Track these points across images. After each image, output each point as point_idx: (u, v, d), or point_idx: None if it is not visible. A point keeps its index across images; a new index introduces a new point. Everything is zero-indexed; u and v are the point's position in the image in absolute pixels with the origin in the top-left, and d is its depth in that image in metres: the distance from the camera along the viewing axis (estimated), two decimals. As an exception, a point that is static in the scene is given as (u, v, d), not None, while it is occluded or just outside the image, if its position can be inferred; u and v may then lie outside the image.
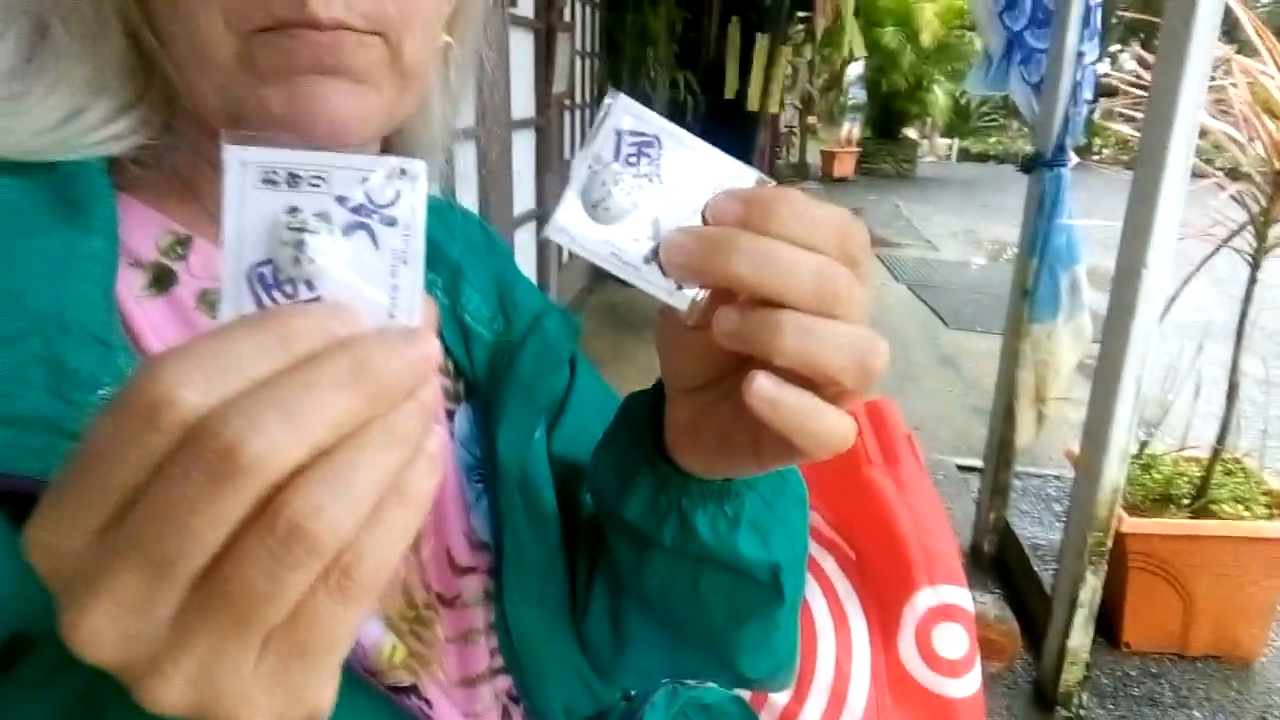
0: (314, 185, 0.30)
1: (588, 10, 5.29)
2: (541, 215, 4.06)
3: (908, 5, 14.76)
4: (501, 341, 0.65)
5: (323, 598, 0.27)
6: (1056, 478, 3.70)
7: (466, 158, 2.75)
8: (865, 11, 13.02)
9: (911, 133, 17.64)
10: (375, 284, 0.31)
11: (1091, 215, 2.73)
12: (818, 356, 0.38)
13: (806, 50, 11.35)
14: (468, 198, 2.82)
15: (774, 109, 6.64)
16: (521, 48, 3.63)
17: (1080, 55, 2.51)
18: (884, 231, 9.98)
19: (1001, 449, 2.92)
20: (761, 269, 0.37)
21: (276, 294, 0.30)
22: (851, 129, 16.17)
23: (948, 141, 20.29)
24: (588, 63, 5.42)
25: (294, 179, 0.30)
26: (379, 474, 0.28)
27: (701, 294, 0.39)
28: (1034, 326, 2.64)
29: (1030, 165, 2.67)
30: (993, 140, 19.51)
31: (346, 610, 0.28)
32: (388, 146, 0.62)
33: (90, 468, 0.27)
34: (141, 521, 0.26)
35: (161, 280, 0.50)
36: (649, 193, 0.38)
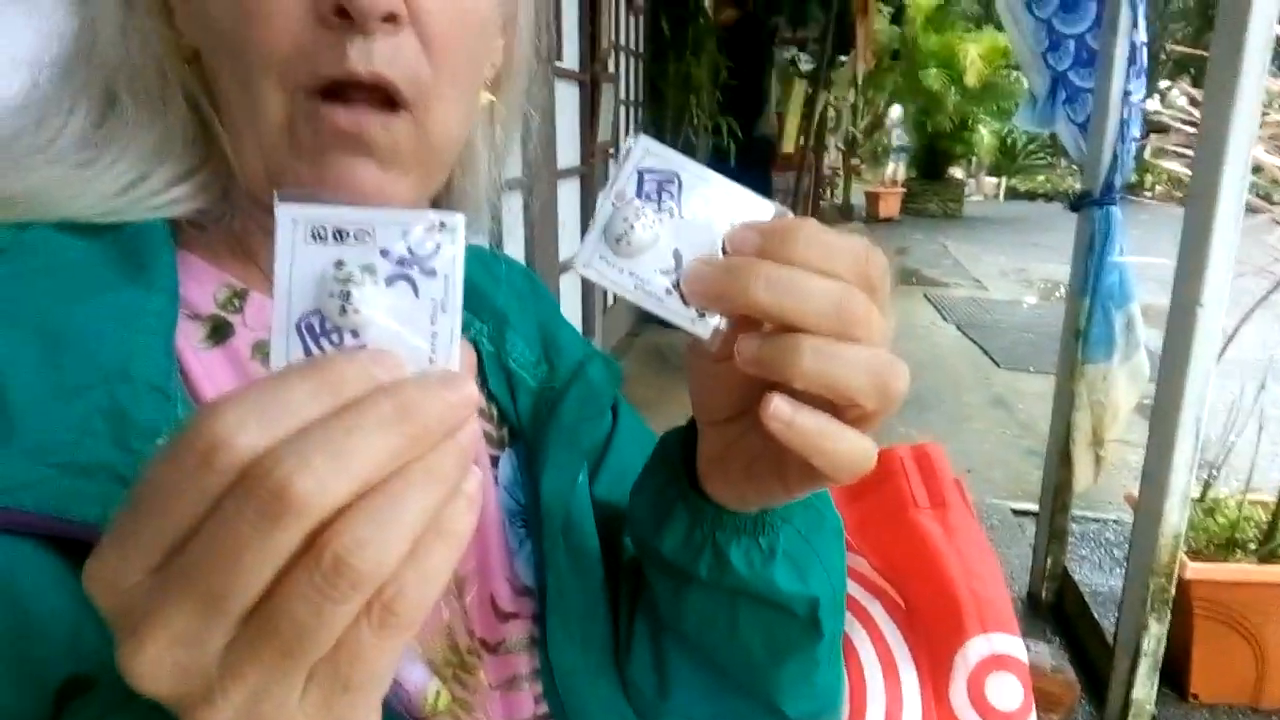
0: (359, 239, 0.32)
1: (631, 60, 5.39)
2: (587, 261, 4.10)
3: (951, 47, 14.76)
4: (545, 388, 0.66)
5: (365, 631, 0.28)
6: (1116, 522, 3.59)
7: (513, 207, 2.80)
8: (908, 55, 13.05)
9: (958, 172, 17.51)
10: (416, 331, 0.33)
11: (1145, 252, 2.68)
12: (837, 378, 0.39)
13: (850, 93, 11.41)
14: (514, 245, 2.87)
15: (811, 149, 6.66)
16: (567, 99, 3.71)
17: (1127, 94, 2.49)
18: (932, 271, 9.88)
19: (1058, 493, 2.84)
20: (780, 295, 0.39)
21: (324, 342, 0.32)
22: (896, 169, 16.14)
23: (995, 180, 20.10)
24: (632, 111, 5.51)
25: (340, 234, 0.32)
26: (419, 511, 0.29)
27: (723, 323, 0.41)
28: (1088, 367, 2.59)
29: (1079, 204, 2.65)
30: (1040, 178, 19.27)
31: (388, 643, 0.29)
32: (436, 202, 0.65)
33: (148, 506, 0.28)
34: (196, 558, 0.27)
35: (219, 332, 0.53)
36: (670, 227, 0.40)
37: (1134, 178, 2.70)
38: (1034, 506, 3.13)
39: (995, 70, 14.93)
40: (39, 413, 0.41)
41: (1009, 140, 17.83)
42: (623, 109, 5.13)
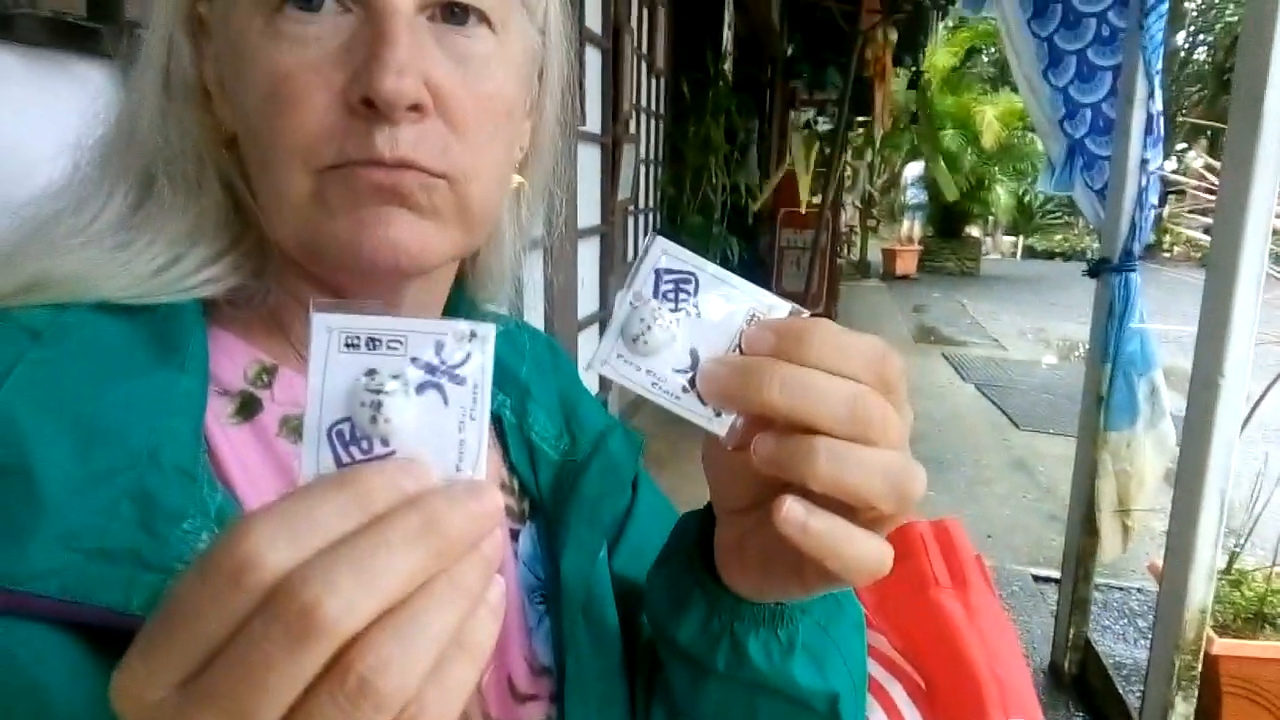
0: (392, 348, 0.33)
1: (652, 121, 5.49)
2: (604, 318, 4.13)
3: (967, 108, 14.94)
4: (567, 460, 0.67)
5: None
6: (1139, 590, 3.51)
7: (534, 265, 2.82)
8: (925, 115, 13.21)
9: (975, 231, 17.58)
10: (444, 438, 0.33)
11: (1166, 313, 2.67)
12: (852, 482, 0.39)
13: (866, 152, 11.54)
14: (534, 302, 2.89)
15: (828, 208, 6.73)
16: (588, 160, 3.78)
17: (1144, 162, 2.50)
18: (950, 330, 9.85)
19: (1080, 561, 2.79)
20: (794, 396, 0.39)
21: (354, 449, 0.33)
22: (913, 227, 16.22)
23: (1012, 239, 20.15)
24: (652, 170, 5.59)
25: (374, 342, 0.33)
26: (443, 627, 0.30)
27: (740, 420, 0.41)
28: (1112, 435, 2.56)
29: (1097, 270, 2.65)
30: (1058, 237, 19.31)
31: None
32: (461, 274, 0.66)
33: (177, 622, 0.28)
34: (222, 676, 0.28)
35: (247, 408, 0.53)
36: (687, 326, 0.41)
37: (1151, 238, 2.69)
38: (1055, 573, 3.08)
39: (1012, 131, 15.07)
40: (68, 498, 0.42)
41: (1026, 199, 17.90)
42: (643, 168, 5.21)
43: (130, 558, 0.42)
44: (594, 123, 3.76)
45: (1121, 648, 3.11)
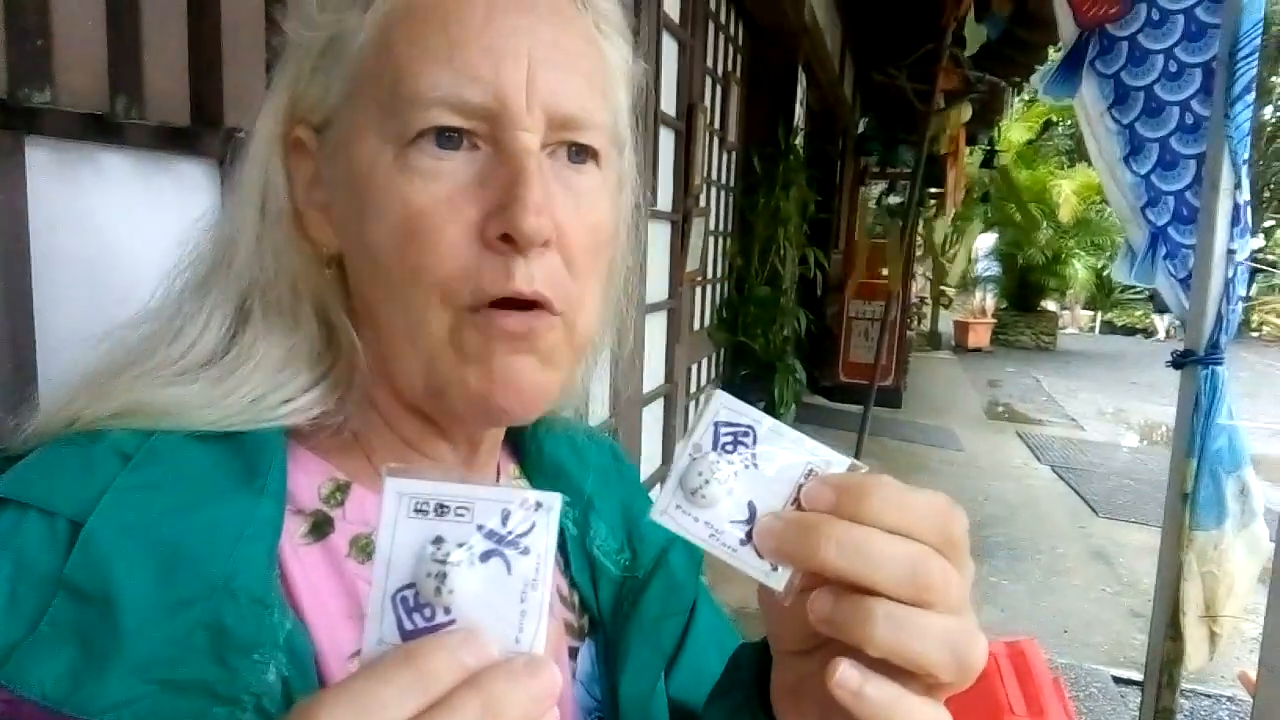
0: (459, 516, 0.34)
1: (722, 194, 5.55)
2: (669, 392, 4.14)
3: (1043, 182, 14.75)
4: (628, 577, 0.66)
5: None
6: (1230, 699, 3.30)
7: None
8: (998, 192, 13.10)
9: (1050, 305, 17.19)
10: (506, 608, 0.34)
11: (1255, 397, 2.55)
12: (910, 650, 0.38)
13: (938, 225, 11.44)
14: (600, 377, 2.91)
15: (894, 286, 6.67)
16: (659, 237, 3.82)
17: (1231, 253, 2.42)
18: (1024, 407, 9.61)
19: (1165, 667, 2.63)
20: (852, 558, 0.38)
21: (417, 616, 0.34)
22: (985, 299, 15.95)
23: (1090, 314, 19.65)
24: (720, 241, 5.63)
25: (442, 509, 0.34)
26: None
27: (797, 576, 0.41)
28: (1198, 535, 2.43)
29: (1182, 362, 2.55)
30: (1139, 313, 18.76)
31: None
32: None
33: None
34: None
35: (319, 529, 0.54)
36: (745, 479, 0.41)
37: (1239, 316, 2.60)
38: (1137, 674, 2.93)
39: (1089, 206, 14.81)
40: (147, 628, 0.43)
41: (1105, 273, 17.51)
42: (712, 239, 5.25)
43: (201, 689, 0.43)
44: (665, 201, 3.82)
45: (1211, 763, 2.91)
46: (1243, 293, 2.46)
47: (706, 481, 0.40)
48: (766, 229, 5.92)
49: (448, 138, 0.50)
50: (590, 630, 0.64)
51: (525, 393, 0.53)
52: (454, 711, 0.30)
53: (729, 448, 0.41)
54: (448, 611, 0.33)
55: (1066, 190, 14.67)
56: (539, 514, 0.34)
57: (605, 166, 0.56)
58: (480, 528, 0.34)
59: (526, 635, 0.34)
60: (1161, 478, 2.61)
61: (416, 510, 0.34)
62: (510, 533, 0.34)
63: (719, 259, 5.72)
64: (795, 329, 6.28)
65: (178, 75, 0.94)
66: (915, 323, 13.83)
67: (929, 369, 11.56)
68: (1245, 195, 2.43)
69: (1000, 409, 9.43)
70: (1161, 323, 17.82)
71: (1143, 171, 2.70)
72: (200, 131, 0.98)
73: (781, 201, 5.88)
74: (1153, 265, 2.74)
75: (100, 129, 0.90)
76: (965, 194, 8.94)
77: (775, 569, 0.41)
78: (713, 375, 5.83)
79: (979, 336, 14.97)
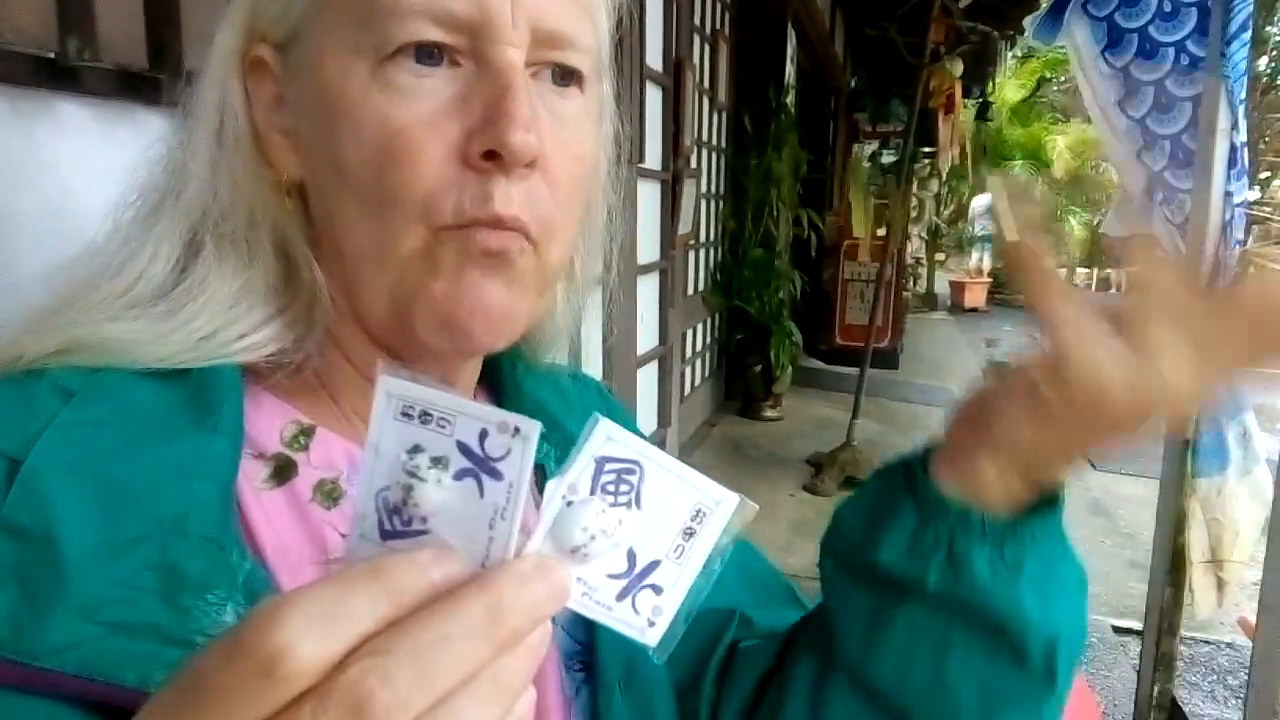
0: (440, 427, 0.32)
1: (713, 155, 5.50)
2: (663, 354, 4.12)
3: (1037, 139, 14.66)
4: None
5: None
6: (1229, 646, 3.32)
7: (592, 302, 2.82)
8: (993, 147, 13.02)
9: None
10: (474, 531, 0.32)
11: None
12: None
13: (932, 184, 11.39)
14: (593, 340, 2.89)
15: (894, 239, 6.64)
16: (649, 196, 3.79)
17: (1228, 195, 2.39)
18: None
19: (1165, 614, 2.64)
20: None
21: (395, 519, 0.32)
22: (982, 259, 15.91)
23: (1086, 271, 19.63)
24: (712, 204, 5.59)
25: (426, 417, 0.32)
26: None
27: (671, 629, 0.37)
28: (1201, 482, 2.42)
29: (1179, 307, 2.52)
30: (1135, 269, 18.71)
31: None
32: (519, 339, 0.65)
33: (199, 705, 0.27)
34: None
35: (282, 472, 0.52)
36: (627, 525, 0.36)
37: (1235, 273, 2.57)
38: (1137, 624, 2.93)
39: (1084, 162, 14.74)
40: (91, 568, 0.41)
41: (1100, 230, 17.43)
42: (704, 202, 5.21)
43: (151, 631, 0.41)
44: (654, 159, 3.78)
45: (1210, 708, 2.94)
46: (1240, 236, 2.44)
47: (592, 538, 0.34)
48: (759, 190, 5.88)
49: (428, 54, 0.48)
50: None
51: (493, 314, 0.50)
52: (460, 613, 0.28)
53: (610, 488, 0.35)
54: (424, 521, 0.32)
55: (1061, 146, 14.59)
56: (515, 441, 0.31)
57: (589, 93, 0.54)
58: (459, 444, 0.32)
59: (492, 565, 0.32)
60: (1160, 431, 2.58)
61: (403, 413, 0.32)
62: (486, 455, 0.32)
63: (712, 222, 5.68)
64: (790, 291, 6.25)
65: (132, 14, 0.91)
66: (911, 284, 13.82)
67: (925, 330, 11.55)
68: (1242, 136, 2.40)
69: (999, 367, 9.37)
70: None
71: (1138, 115, 2.66)
72: (160, 78, 0.95)
73: (774, 162, 5.83)
74: (1149, 212, 2.70)
75: (53, 73, 0.86)
76: (960, 153, 8.88)
77: (653, 623, 0.36)
78: (709, 340, 5.81)
79: (975, 296, 14.94)
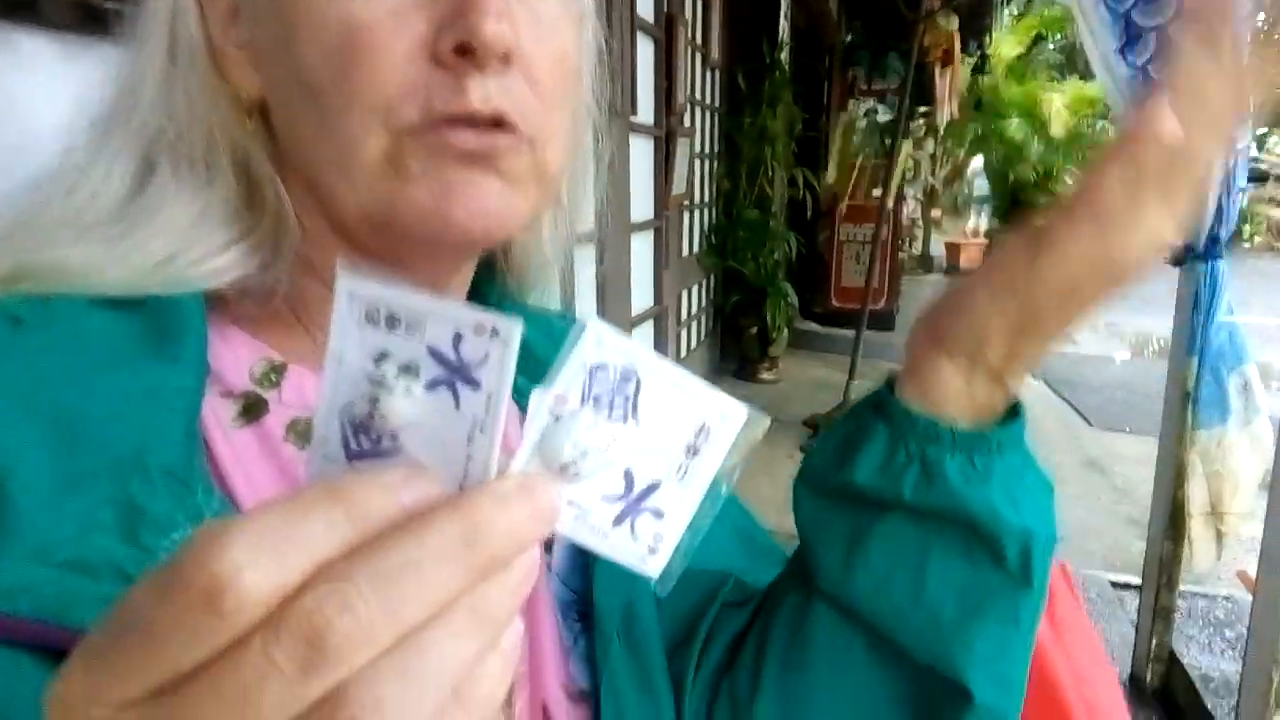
0: (409, 331, 0.28)
1: (707, 115, 5.42)
2: (658, 314, 4.08)
3: (1034, 97, 14.53)
4: None
5: None
6: (1226, 599, 3.33)
7: (586, 260, 2.81)
8: (990, 105, 12.91)
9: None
10: (451, 450, 0.28)
11: (1245, 306, 2.51)
12: None
13: (928, 143, 11.29)
14: (586, 299, 2.86)
15: (890, 200, 6.57)
16: (641, 153, 3.73)
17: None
18: (1016, 325, 9.57)
19: (1164, 568, 2.64)
20: None
21: (362, 438, 0.29)
22: (978, 220, 15.85)
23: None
24: (706, 164, 5.52)
25: (393, 320, 0.28)
26: (453, 669, 0.25)
27: (676, 564, 0.34)
28: (1201, 434, 2.41)
29: (1181, 258, 2.49)
30: (1131, 229, 18.67)
31: None
32: (491, 259, 0.61)
33: (134, 639, 0.24)
34: (193, 704, 0.23)
35: (252, 410, 0.49)
36: (624, 440, 0.32)
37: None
38: (1134, 579, 2.94)
39: (1081, 120, 14.63)
40: (43, 506, 0.38)
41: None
42: (698, 162, 5.15)
43: (113, 572, 0.38)
44: (646, 114, 3.72)
45: (1208, 659, 2.95)
46: (1242, 184, 2.40)
47: (584, 455, 0.31)
48: (753, 150, 5.81)
49: None
50: None
51: (490, 210, 0.47)
52: (432, 536, 0.25)
53: (603, 399, 0.31)
54: (394, 439, 0.28)
55: (1058, 104, 14.46)
56: (493, 343, 0.27)
57: None
58: (430, 349, 0.28)
59: (472, 484, 0.29)
60: (1155, 388, 2.58)
61: (367, 317, 0.28)
62: (461, 360, 0.28)
63: (707, 182, 5.62)
64: (786, 253, 6.20)
65: (89, -61, 0.86)
66: (907, 245, 13.77)
67: (921, 292, 11.51)
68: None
69: (993, 328, 9.39)
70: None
71: (1139, 63, 2.60)
72: (123, 9, 0.90)
73: (768, 120, 5.76)
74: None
75: (12, 5, 0.82)
76: (959, 104, 8.77)
77: (654, 550, 0.33)
78: (704, 302, 5.77)
79: (971, 257, 14.88)
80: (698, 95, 5.00)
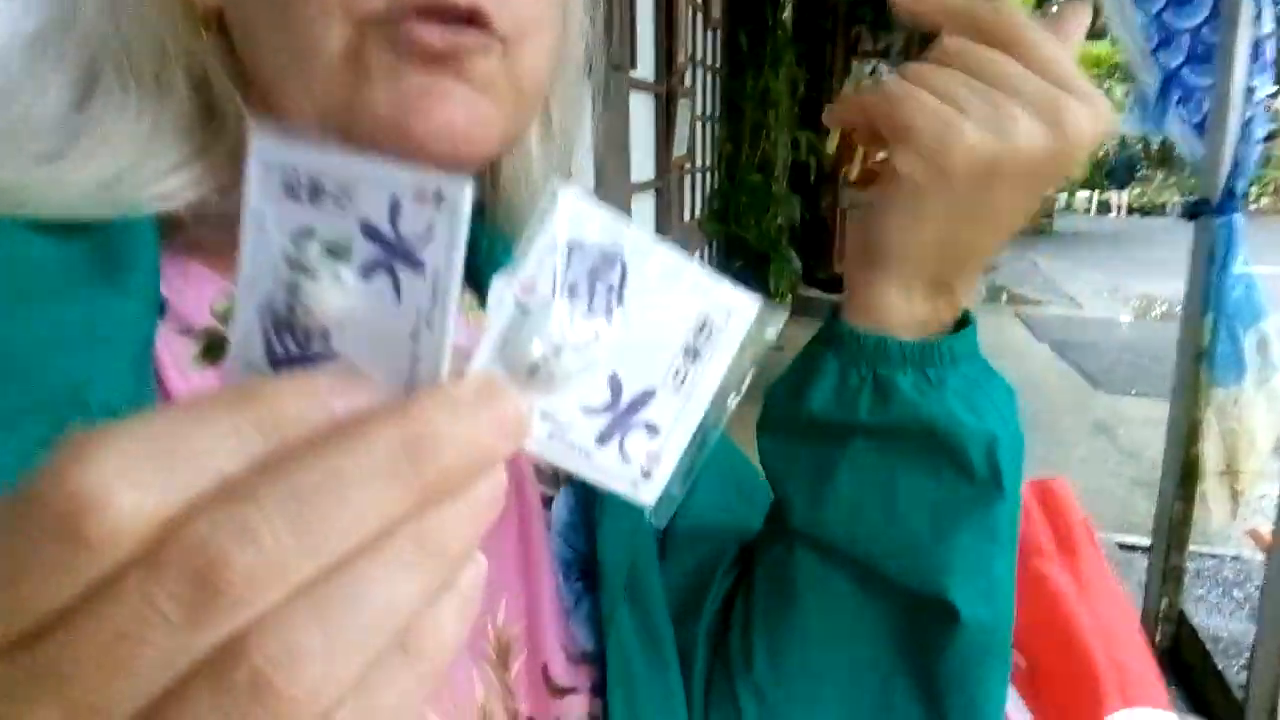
0: (337, 203, 0.23)
1: (708, 76, 5.34)
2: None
3: (1039, 57, 14.34)
4: None
5: None
6: (1235, 558, 3.30)
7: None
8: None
9: (1046, 187, 16.95)
10: (392, 348, 0.23)
11: (1259, 262, 2.45)
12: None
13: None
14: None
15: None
16: (641, 111, 3.65)
17: (1250, 91, 2.28)
18: (1021, 289, 9.55)
19: (1174, 528, 2.61)
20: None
21: (287, 339, 0.24)
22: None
23: (1087, 194, 19.42)
24: (708, 127, 5.44)
25: (316, 190, 0.23)
26: (391, 608, 0.20)
27: (676, 487, 0.28)
28: (1217, 392, 2.35)
29: (1196, 211, 2.43)
30: (1136, 192, 18.54)
31: None
32: (482, 206, 0.56)
33: None
34: (65, 652, 0.19)
35: (213, 349, 0.45)
36: (607, 339, 0.26)
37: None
38: (1143, 540, 2.90)
39: (1090, 80, 14.47)
40: None
41: (1103, 153, 17.21)
42: (699, 125, 5.07)
43: None
44: (646, 69, 3.64)
45: (1217, 620, 2.92)
46: (1261, 134, 2.33)
47: (559, 353, 0.25)
48: (756, 112, 5.73)
49: None
50: (568, 478, 0.55)
51: (456, 124, 0.41)
52: (363, 448, 0.20)
53: (581, 288, 0.26)
54: (325, 339, 0.23)
55: (1064, 65, 14.28)
56: (438, 212, 0.22)
57: None
58: (362, 224, 0.23)
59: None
60: (1161, 350, 2.53)
61: (286, 189, 0.23)
62: (399, 236, 0.22)
63: (708, 146, 5.54)
64: (789, 217, 6.13)
65: None
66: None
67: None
68: (1267, 28, 2.28)
69: (997, 292, 9.34)
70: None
71: (1154, 10, 2.52)
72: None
73: (771, 81, 5.67)
74: (1164, 112, 2.59)
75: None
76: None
77: (648, 474, 0.28)
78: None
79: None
80: (698, 55, 4.91)
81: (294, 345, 0.23)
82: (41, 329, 0.37)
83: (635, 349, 0.27)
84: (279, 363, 0.24)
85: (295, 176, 0.23)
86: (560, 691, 0.50)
